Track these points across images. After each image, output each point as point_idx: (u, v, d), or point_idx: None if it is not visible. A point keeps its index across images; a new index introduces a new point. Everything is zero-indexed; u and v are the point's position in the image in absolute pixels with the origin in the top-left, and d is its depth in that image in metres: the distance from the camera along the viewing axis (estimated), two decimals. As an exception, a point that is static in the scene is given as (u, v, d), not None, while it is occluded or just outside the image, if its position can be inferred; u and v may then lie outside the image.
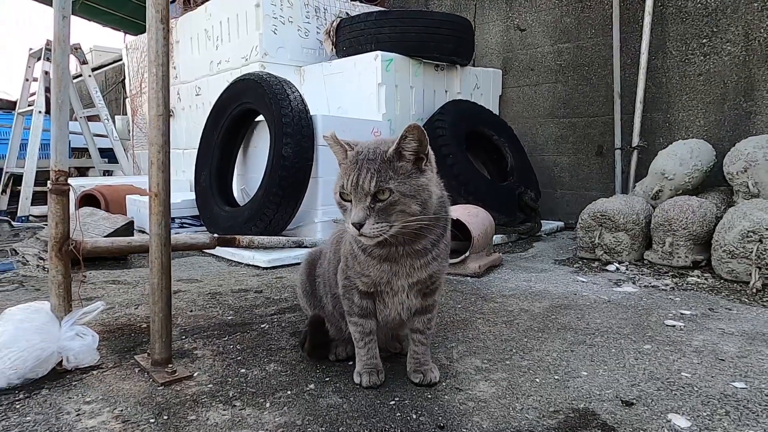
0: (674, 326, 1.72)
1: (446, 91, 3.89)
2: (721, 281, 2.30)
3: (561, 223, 3.87)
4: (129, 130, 5.86)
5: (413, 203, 1.07)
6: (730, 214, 2.39)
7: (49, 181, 1.36)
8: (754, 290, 2.14)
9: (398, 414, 1.13)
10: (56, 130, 1.37)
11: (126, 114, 7.06)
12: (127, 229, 2.82)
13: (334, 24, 3.80)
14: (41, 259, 2.71)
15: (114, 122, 5.61)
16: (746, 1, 3.10)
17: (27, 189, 4.35)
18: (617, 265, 2.62)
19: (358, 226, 1.04)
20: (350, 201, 1.08)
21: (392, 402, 1.19)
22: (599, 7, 3.75)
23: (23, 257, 2.82)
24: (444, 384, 1.28)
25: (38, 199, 4.54)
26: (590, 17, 3.81)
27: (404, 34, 3.48)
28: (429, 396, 1.22)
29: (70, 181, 4.34)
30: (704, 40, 3.28)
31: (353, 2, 4.36)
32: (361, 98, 3.52)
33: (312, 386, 1.27)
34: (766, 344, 1.55)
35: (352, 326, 1.29)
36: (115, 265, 2.69)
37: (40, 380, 1.29)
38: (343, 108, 3.63)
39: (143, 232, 3.27)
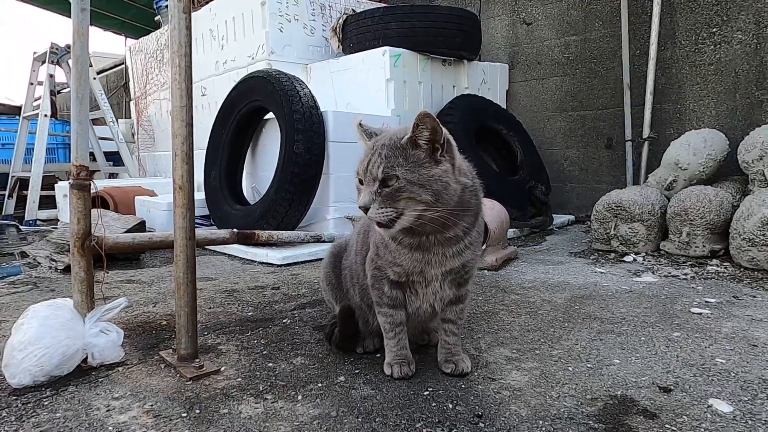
0: (701, 314, 1.70)
1: (454, 87, 3.87)
2: (742, 270, 2.28)
3: (572, 217, 3.85)
4: (133, 133, 5.85)
5: (423, 192, 1.05)
6: (749, 202, 2.37)
7: (70, 177, 1.35)
8: (777, 278, 2.12)
9: (434, 404, 1.11)
10: (76, 125, 1.35)
11: (129, 117, 7.05)
12: (140, 229, 2.80)
13: (341, 21, 3.79)
14: (53, 260, 2.70)
15: (118, 125, 5.59)
16: (756, -12, 3.08)
17: (34, 193, 4.34)
18: (634, 256, 2.60)
19: (364, 209, 1.06)
20: (362, 185, 1.10)
21: (426, 392, 1.17)
22: (606, -1, 3.73)
23: (34, 259, 2.81)
24: (476, 374, 1.26)
25: (44, 203, 4.52)
26: (597, 9, 3.79)
27: (412, 30, 3.47)
28: (462, 386, 1.20)
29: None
30: (714, 29, 3.26)
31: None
32: (369, 94, 3.51)
33: (342, 378, 1.25)
34: (797, 330, 1.53)
35: (381, 317, 1.27)
36: (128, 265, 2.67)
37: (65, 377, 1.27)
38: (351, 104, 3.62)
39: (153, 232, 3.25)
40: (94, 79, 5.02)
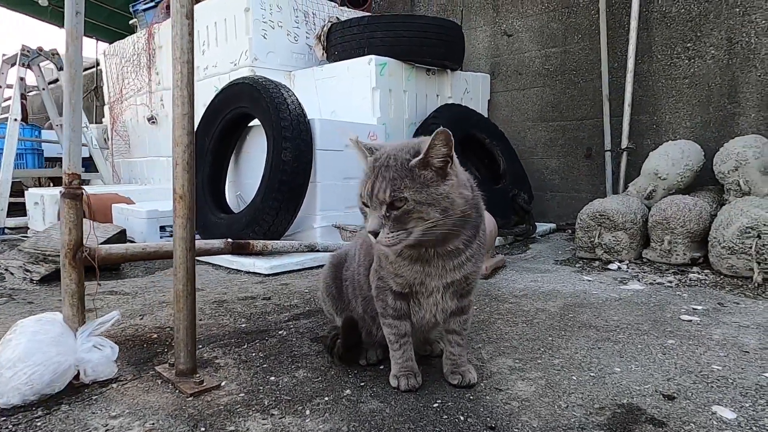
0: (690, 321, 1.74)
1: (437, 96, 3.90)
2: (722, 277, 2.35)
3: (553, 225, 3.92)
4: (105, 139, 5.68)
5: (432, 211, 1.04)
6: (727, 211, 2.45)
7: (62, 185, 1.29)
8: (756, 285, 2.19)
9: (445, 416, 1.11)
10: (69, 131, 1.30)
11: (100, 122, 6.86)
12: (120, 238, 2.72)
13: (325, 29, 3.78)
14: (27, 270, 2.58)
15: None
16: (728, 6, 3.21)
17: (2, 200, 4.16)
18: (618, 263, 2.66)
19: (374, 234, 1.04)
20: (368, 208, 1.07)
21: (435, 405, 1.16)
22: (585, 13, 3.83)
23: (6, 269, 2.69)
24: (482, 385, 1.26)
25: (13, 210, 4.34)
26: (577, 23, 3.89)
27: (397, 39, 3.48)
28: (471, 397, 1.19)
29: (48, 191, 4.18)
30: (689, 44, 3.38)
31: (341, 8, 4.34)
32: (354, 102, 3.50)
33: (348, 391, 1.23)
34: (783, 335, 1.58)
35: (386, 328, 1.26)
36: (107, 275, 2.58)
37: (57, 395, 1.21)
38: (336, 112, 3.60)
39: (133, 242, 3.16)
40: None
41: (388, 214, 1.03)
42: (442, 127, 1.04)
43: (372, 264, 1.27)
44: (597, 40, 3.70)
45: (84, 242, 1.33)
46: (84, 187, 1.35)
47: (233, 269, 2.69)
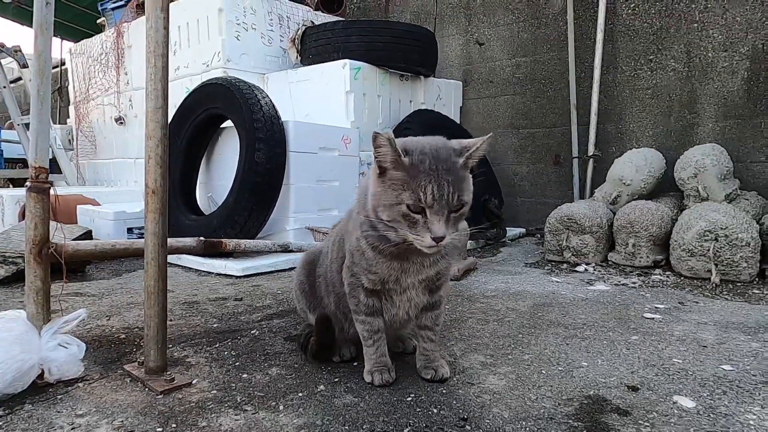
0: (653, 318, 1.81)
1: (411, 101, 3.94)
2: (682, 278, 2.45)
3: (523, 230, 4.00)
4: (70, 139, 5.51)
5: (468, 210, 1.08)
6: (687, 215, 2.55)
7: (28, 179, 1.26)
8: (714, 285, 2.29)
9: (418, 409, 1.12)
10: (37, 124, 1.27)
11: (63, 123, 6.66)
12: (86, 239, 2.64)
13: (299, 32, 3.79)
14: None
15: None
16: (687, 21, 3.37)
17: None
18: (585, 266, 2.73)
19: (441, 239, 1.01)
20: (420, 213, 1.02)
21: (409, 398, 1.17)
22: (554, 24, 3.95)
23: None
24: (455, 379, 1.28)
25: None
26: (546, 33, 4.00)
27: (371, 44, 3.51)
28: (444, 391, 1.21)
29: (7, 191, 4.03)
30: (651, 57, 3.53)
31: (316, 12, 4.36)
32: (328, 106, 3.51)
33: (322, 387, 1.23)
34: (739, 331, 1.66)
35: (359, 325, 1.26)
36: (72, 277, 2.50)
37: (20, 395, 1.17)
38: (310, 115, 3.60)
39: (99, 243, 3.07)
40: (31, 80, 4.71)
41: (449, 218, 1.02)
42: (490, 134, 1.10)
43: (345, 261, 1.27)
44: (565, 51, 3.81)
45: (50, 238, 1.30)
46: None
47: (204, 271, 2.65)
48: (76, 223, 3.38)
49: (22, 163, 6.46)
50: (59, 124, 7.00)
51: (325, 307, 1.40)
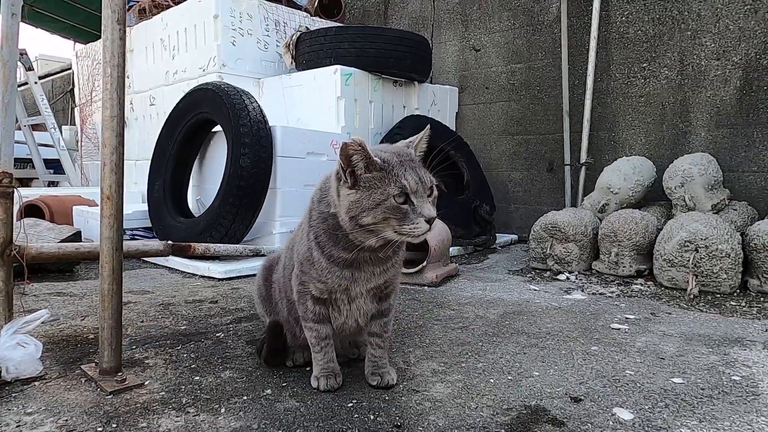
0: (619, 329, 1.80)
1: (404, 107, 3.96)
2: (662, 288, 2.44)
3: (515, 236, 3.99)
4: (77, 141, 5.64)
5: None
6: (669, 225, 2.54)
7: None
8: (692, 296, 2.27)
9: (356, 415, 1.14)
10: (2, 130, 1.31)
11: (74, 124, 6.80)
12: (74, 240, 2.70)
13: (294, 38, 3.83)
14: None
15: (61, 132, 5.39)
16: (680, 30, 3.34)
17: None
18: (567, 274, 2.73)
19: (432, 219, 1.07)
20: (408, 204, 1.06)
21: (350, 404, 1.19)
22: (549, 31, 3.94)
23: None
24: (401, 386, 1.30)
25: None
26: (541, 40, 4.00)
27: (363, 50, 3.54)
28: (387, 398, 1.23)
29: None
30: (644, 65, 3.51)
31: (313, 18, 4.41)
32: (320, 111, 3.54)
33: (269, 391, 1.26)
34: (702, 344, 1.65)
35: (307, 331, 1.29)
36: (59, 277, 2.57)
37: (-25, 392, 1.21)
38: (302, 120, 3.64)
39: (91, 243, 3.14)
40: (36, 83, 4.84)
41: (430, 201, 1.10)
42: (427, 128, 1.20)
43: (294, 269, 1.30)
44: (560, 58, 3.81)
45: (13, 240, 1.34)
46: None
47: (189, 273, 2.70)
48: (72, 223, 3.46)
49: (31, 163, 6.62)
50: (70, 124, 7.15)
51: (279, 312, 1.43)
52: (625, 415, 1.15)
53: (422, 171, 1.11)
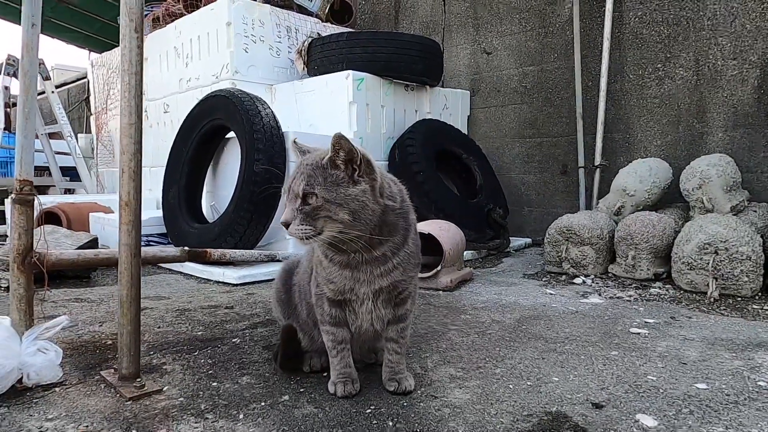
0: (639, 334, 1.77)
1: (416, 111, 3.96)
2: (681, 292, 2.40)
3: (529, 240, 3.96)
4: (93, 148, 5.72)
5: (340, 211, 1.09)
6: (688, 227, 2.50)
7: (12, 191, 1.32)
8: (712, 299, 2.23)
9: (374, 422, 1.13)
10: (22, 139, 1.33)
11: (90, 132, 6.89)
12: (91, 246, 2.73)
13: (306, 44, 3.85)
14: (-3, 278, 2.59)
15: (77, 140, 5.47)
16: (696, 29, 3.30)
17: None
18: (583, 278, 2.69)
19: (286, 225, 1.10)
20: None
21: (368, 410, 1.18)
22: (561, 33, 3.92)
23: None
24: (419, 392, 1.29)
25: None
26: (553, 42, 3.98)
27: (375, 55, 3.55)
28: (405, 404, 1.22)
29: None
30: (659, 65, 3.47)
31: (324, 24, 4.43)
32: (332, 116, 3.56)
33: (286, 397, 1.25)
34: (725, 349, 1.62)
35: (324, 335, 1.29)
36: (77, 283, 2.59)
37: (-2, 398, 1.23)
38: (314, 125, 3.66)
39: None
40: (53, 92, 4.92)
41: (300, 208, 1.09)
42: (339, 132, 1.11)
43: (313, 271, 1.30)
44: (572, 60, 3.78)
45: (34, 248, 1.36)
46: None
47: (203, 278, 2.71)
48: (89, 230, 3.50)
49: (48, 171, 6.72)
50: (86, 133, 7.26)
51: (298, 315, 1.43)
52: (648, 421, 1.13)
53: (302, 177, 1.10)
